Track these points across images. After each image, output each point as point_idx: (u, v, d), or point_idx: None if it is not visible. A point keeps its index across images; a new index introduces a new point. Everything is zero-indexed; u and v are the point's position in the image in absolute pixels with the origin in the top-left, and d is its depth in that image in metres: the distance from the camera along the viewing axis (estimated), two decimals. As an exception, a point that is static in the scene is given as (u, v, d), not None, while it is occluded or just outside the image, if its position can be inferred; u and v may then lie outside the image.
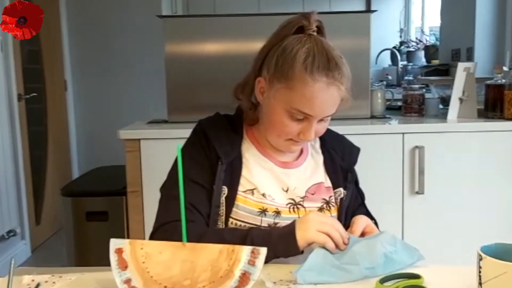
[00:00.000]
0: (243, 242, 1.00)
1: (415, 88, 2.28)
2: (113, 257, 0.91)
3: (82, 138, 4.19)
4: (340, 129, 1.32)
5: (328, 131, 1.27)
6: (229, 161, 1.14)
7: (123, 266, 0.90)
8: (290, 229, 1.03)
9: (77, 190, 2.43)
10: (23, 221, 3.27)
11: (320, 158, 1.24)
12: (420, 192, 2.05)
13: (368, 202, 1.31)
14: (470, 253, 2.03)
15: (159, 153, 1.95)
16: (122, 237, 2.16)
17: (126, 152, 2.01)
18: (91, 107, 4.14)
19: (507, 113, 2.06)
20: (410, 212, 2.08)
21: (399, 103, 2.43)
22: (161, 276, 0.89)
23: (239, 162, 1.16)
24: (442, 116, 2.24)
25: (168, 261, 0.90)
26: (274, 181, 1.17)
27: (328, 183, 1.22)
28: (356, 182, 1.28)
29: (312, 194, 1.18)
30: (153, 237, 1.10)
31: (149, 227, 1.33)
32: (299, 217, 1.14)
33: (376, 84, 2.38)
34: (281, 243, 1.02)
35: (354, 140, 1.32)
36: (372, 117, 2.23)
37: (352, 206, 1.24)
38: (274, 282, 0.98)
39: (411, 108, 2.26)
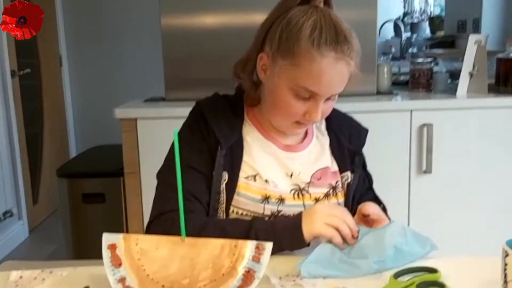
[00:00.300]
0: (247, 235, 0.94)
1: (423, 62, 2.18)
2: (106, 254, 0.84)
3: (79, 115, 4.09)
4: (344, 106, 1.24)
5: (334, 111, 1.19)
6: (229, 145, 1.07)
7: (117, 263, 0.83)
8: (296, 221, 0.97)
9: (73, 171, 2.35)
10: (20, 201, 3.21)
11: (326, 141, 1.17)
12: (428, 171, 1.98)
13: (374, 182, 1.24)
14: (480, 235, 2.00)
15: (157, 133, 1.87)
16: (120, 219, 2.10)
17: (123, 132, 1.93)
18: (87, 84, 4.03)
19: (519, 88, 1.97)
20: (417, 192, 2.01)
21: (403, 77, 2.34)
22: (158, 274, 0.82)
23: (240, 147, 1.08)
24: (450, 91, 2.15)
25: (165, 258, 0.83)
26: (278, 166, 1.10)
27: (334, 167, 1.14)
28: (364, 165, 1.21)
29: (318, 179, 1.11)
30: (149, 228, 1.04)
31: (147, 209, 1.27)
32: (303, 203, 1.08)
33: (382, 58, 2.28)
34: (286, 236, 0.96)
35: (360, 118, 1.24)
36: (378, 93, 2.14)
37: (359, 190, 1.17)
38: (280, 278, 0.92)
39: (418, 83, 2.17)
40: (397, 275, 0.90)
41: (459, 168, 2.01)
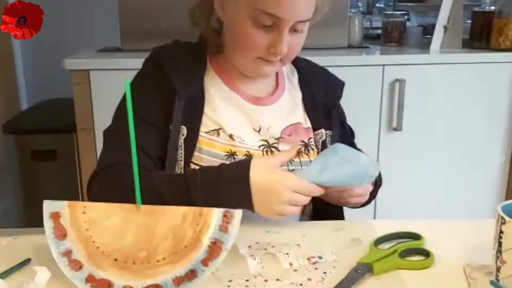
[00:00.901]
0: (187, 201, 0.82)
1: (396, 15, 2.09)
2: (48, 224, 0.72)
3: (29, 66, 3.83)
4: (315, 60, 1.14)
5: (308, 63, 1.10)
6: (189, 96, 0.95)
7: (61, 234, 0.72)
8: (246, 194, 0.84)
9: (21, 127, 2.17)
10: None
11: (298, 95, 1.06)
12: (398, 129, 1.92)
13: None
14: (451, 193, 1.98)
15: (112, 85, 1.70)
16: (74, 178, 1.96)
17: (74, 85, 1.79)
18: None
19: (494, 42, 1.91)
20: (386, 150, 1.96)
21: (372, 32, 2.24)
22: (110, 246, 0.71)
23: (201, 98, 0.97)
24: (423, 45, 2.08)
25: (118, 228, 0.72)
26: (244, 119, 0.99)
27: (307, 123, 1.04)
28: (342, 120, 1.11)
29: (289, 135, 1.01)
30: (91, 183, 0.92)
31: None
32: None
33: (353, 11, 2.17)
34: (233, 202, 0.82)
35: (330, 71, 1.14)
36: (349, 46, 2.04)
37: None
38: (249, 246, 0.83)
39: (391, 37, 2.10)
40: (377, 242, 0.82)
41: (430, 126, 1.95)
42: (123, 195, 0.73)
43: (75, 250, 0.71)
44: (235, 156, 0.94)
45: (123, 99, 0.95)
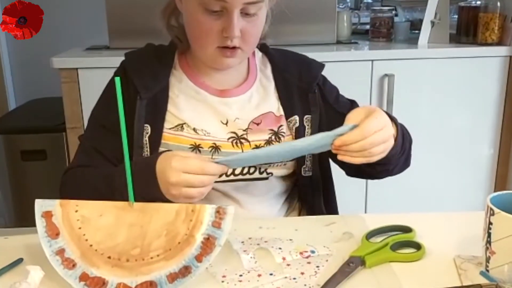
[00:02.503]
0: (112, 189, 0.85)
1: (384, 10, 2.10)
2: (40, 223, 0.72)
3: (16, 66, 3.78)
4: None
5: (282, 52, 1.08)
6: (152, 95, 0.97)
7: (54, 233, 0.72)
8: (150, 180, 0.83)
9: (9, 127, 2.14)
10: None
11: (270, 85, 1.04)
12: (388, 123, 1.92)
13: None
14: (440, 187, 1.99)
15: (101, 84, 1.69)
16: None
17: (62, 84, 1.78)
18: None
19: (481, 37, 1.93)
20: (376, 144, 1.96)
21: (362, 27, 2.25)
22: (103, 244, 0.71)
23: (165, 96, 0.98)
24: (411, 41, 2.10)
25: (111, 225, 0.72)
26: (210, 113, 0.99)
27: (280, 111, 1.02)
28: (330, 100, 1.05)
29: (257, 124, 0.99)
30: (61, 188, 0.99)
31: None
32: (243, 152, 0.96)
33: (341, 6, 2.18)
34: (145, 189, 0.82)
35: None
36: (338, 42, 2.05)
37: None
38: (242, 242, 0.83)
39: (379, 32, 2.10)
40: (369, 236, 0.83)
41: (419, 120, 1.97)
42: (80, 191, 0.86)
43: (68, 248, 0.71)
44: (200, 149, 0.95)
45: (96, 103, 1.03)
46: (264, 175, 0.98)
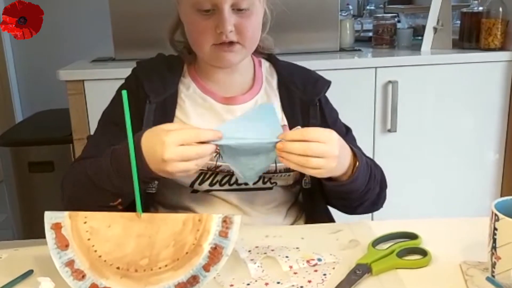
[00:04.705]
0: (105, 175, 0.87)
1: (387, 18, 2.11)
2: (49, 235, 0.73)
3: (23, 77, 3.82)
4: (306, 64, 1.14)
5: (290, 65, 1.11)
6: (161, 100, 1.00)
7: (63, 244, 0.73)
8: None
9: (16, 139, 2.16)
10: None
11: (275, 97, 1.06)
12: (393, 130, 1.93)
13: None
14: (446, 194, 1.99)
15: (107, 95, 1.71)
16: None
17: (69, 96, 1.79)
18: (30, 43, 3.74)
19: (484, 43, 1.93)
20: (381, 151, 1.97)
21: (365, 34, 2.26)
22: (111, 255, 0.72)
23: (173, 102, 1.01)
24: (414, 47, 2.10)
25: (119, 236, 0.73)
26: (215, 120, 1.00)
27: (284, 121, 1.03)
28: (329, 120, 1.07)
29: None
30: (63, 180, 1.00)
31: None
32: None
33: (343, 14, 2.20)
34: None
35: (323, 75, 1.13)
36: (341, 49, 2.06)
37: None
38: (249, 251, 0.83)
39: (382, 39, 2.11)
40: (375, 243, 0.83)
41: (424, 126, 1.97)
42: (75, 181, 0.93)
43: (78, 259, 0.72)
44: None
45: (106, 108, 1.06)
46: (268, 184, 0.99)
